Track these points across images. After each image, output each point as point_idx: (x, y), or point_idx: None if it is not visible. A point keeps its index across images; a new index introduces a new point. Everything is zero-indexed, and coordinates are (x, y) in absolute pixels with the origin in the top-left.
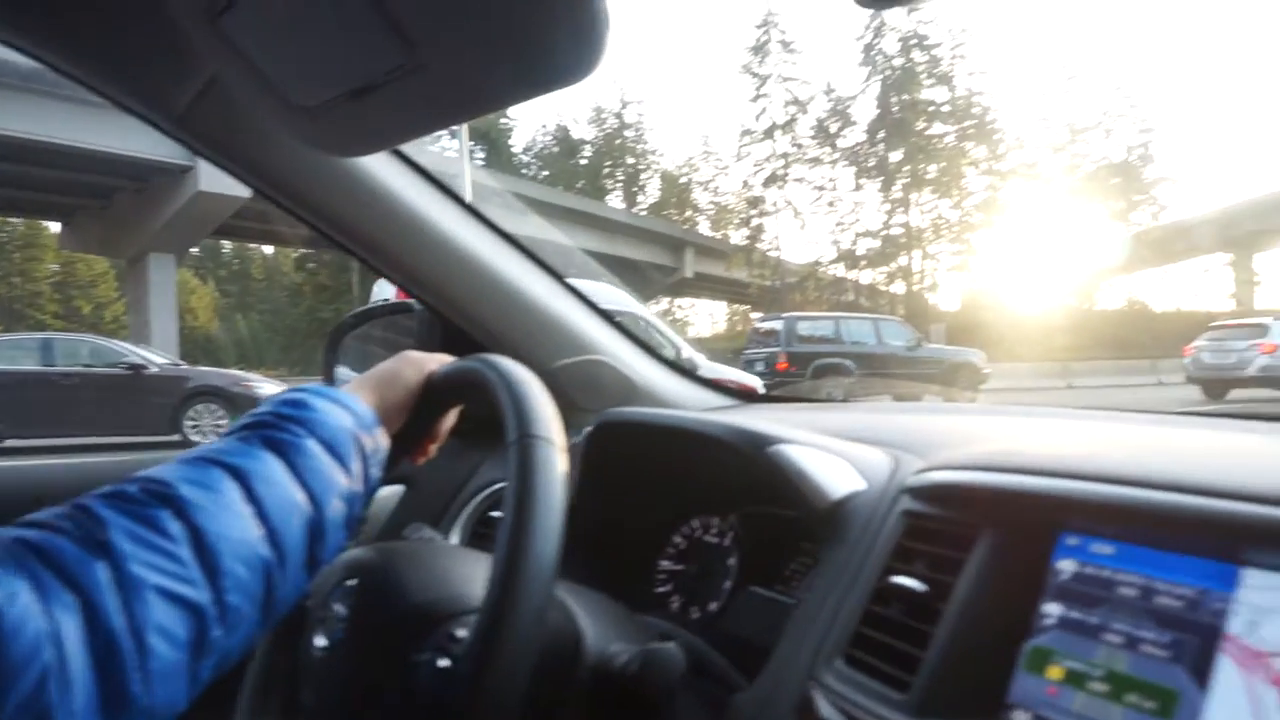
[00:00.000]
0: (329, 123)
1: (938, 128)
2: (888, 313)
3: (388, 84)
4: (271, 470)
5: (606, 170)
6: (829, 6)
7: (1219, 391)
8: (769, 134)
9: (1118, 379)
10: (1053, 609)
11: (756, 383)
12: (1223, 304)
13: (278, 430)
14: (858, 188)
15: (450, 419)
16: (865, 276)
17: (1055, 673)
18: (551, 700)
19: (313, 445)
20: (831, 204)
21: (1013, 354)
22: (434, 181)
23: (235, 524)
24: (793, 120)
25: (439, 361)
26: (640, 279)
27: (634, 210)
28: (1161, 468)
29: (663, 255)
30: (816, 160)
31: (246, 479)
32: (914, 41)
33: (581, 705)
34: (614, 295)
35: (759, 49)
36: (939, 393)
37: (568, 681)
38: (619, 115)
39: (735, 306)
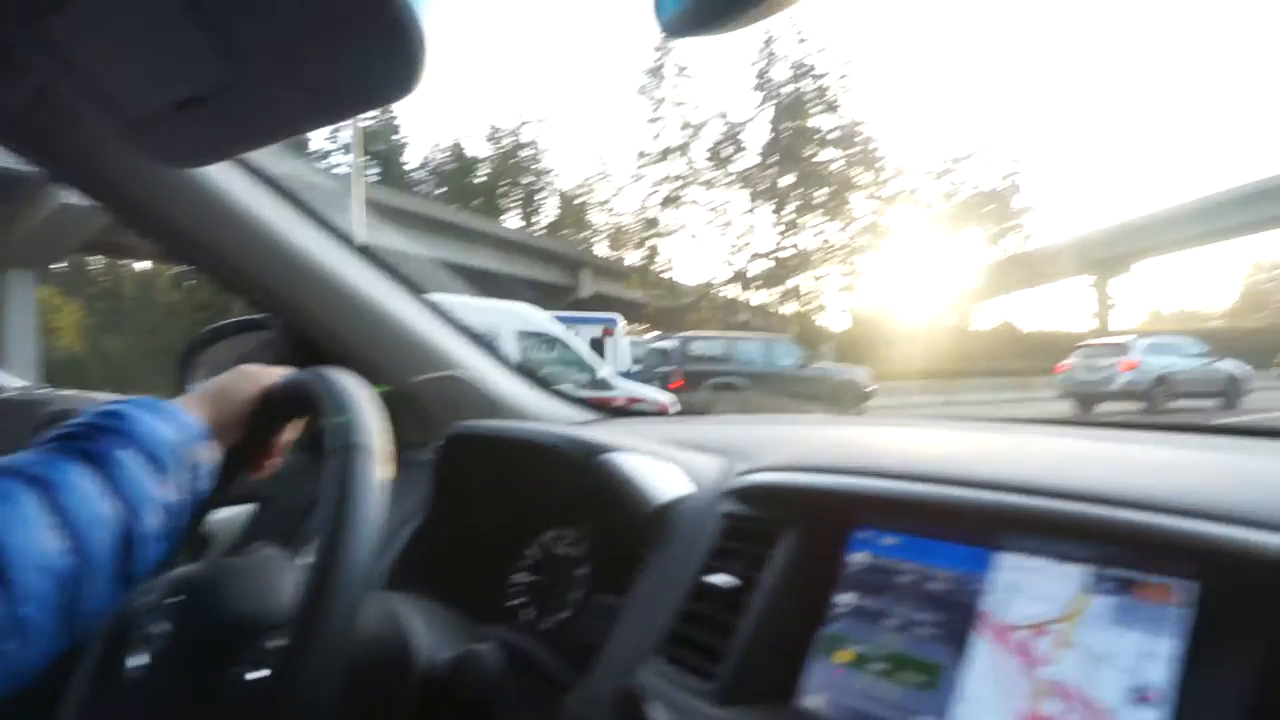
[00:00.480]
0: (160, 132)
1: (826, 154)
2: (779, 333)
3: (213, 96)
4: (79, 480)
5: (503, 189)
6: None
7: (1089, 405)
8: (665, 156)
9: (994, 395)
10: (844, 598)
11: (670, 399)
12: (1085, 324)
13: (89, 441)
14: (751, 210)
15: (290, 433)
16: (758, 297)
17: (843, 656)
18: (381, 709)
19: (128, 456)
20: (726, 226)
21: (898, 372)
22: (286, 195)
23: (32, 534)
24: (688, 143)
25: (277, 374)
26: (538, 299)
27: (531, 229)
28: (939, 464)
29: (560, 275)
30: (711, 183)
31: (49, 489)
32: (803, 70)
33: (411, 713)
34: (533, 316)
35: (655, 72)
36: (827, 410)
37: (398, 690)
38: (515, 134)
39: (633, 326)
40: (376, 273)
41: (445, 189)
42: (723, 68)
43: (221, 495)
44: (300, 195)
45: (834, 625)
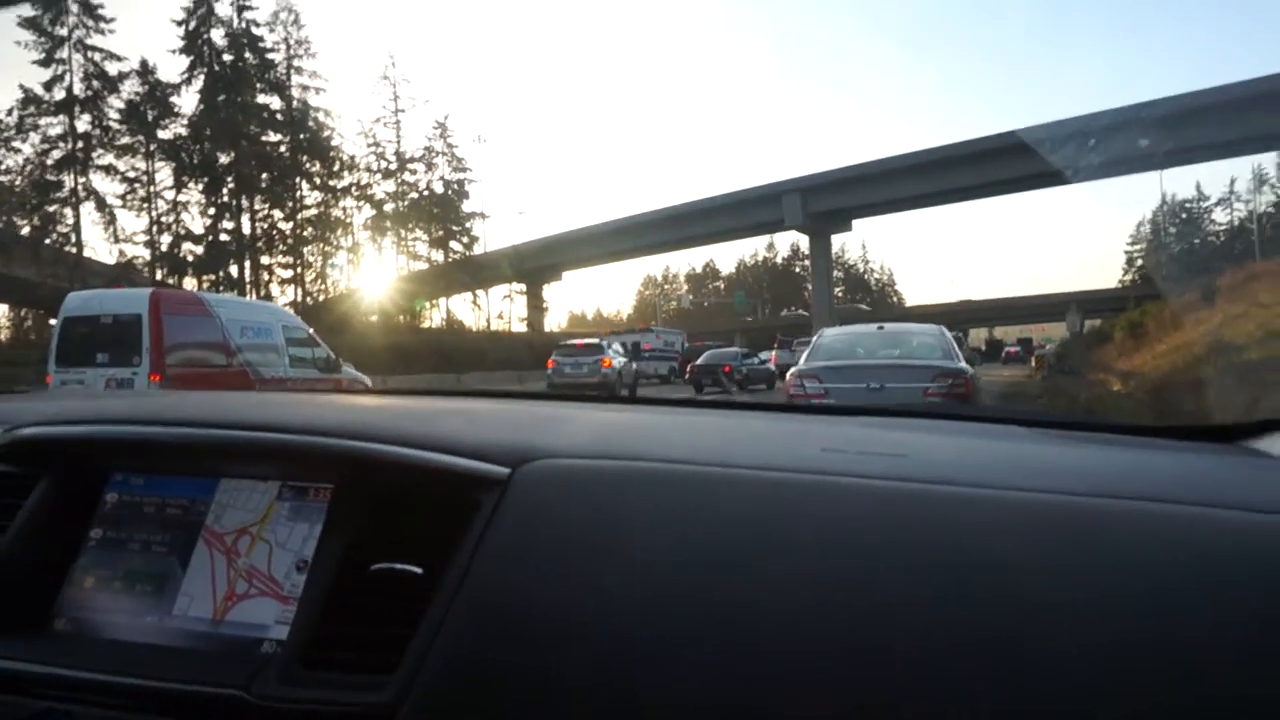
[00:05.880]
0: None
1: (271, 135)
2: None
3: None
4: None
5: None
6: None
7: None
8: (66, 108)
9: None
10: (97, 534)
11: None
12: (519, 325)
13: None
14: (179, 186)
15: None
16: (191, 283)
17: (90, 582)
18: None
19: None
20: (148, 200)
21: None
22: None
23: None
24: (99, 97)
25: None
26: None
27: None
28: (178, 411)
29: None
30: (129, 149)
31: None
32: (245, 40)
33: None
34: (289, 315)
35: (51, 3)
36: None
37: None
38: None
39: (21, 311)
40: None
41: None
42: (148, 18)
43: None
44: None
45: (86, 558)
